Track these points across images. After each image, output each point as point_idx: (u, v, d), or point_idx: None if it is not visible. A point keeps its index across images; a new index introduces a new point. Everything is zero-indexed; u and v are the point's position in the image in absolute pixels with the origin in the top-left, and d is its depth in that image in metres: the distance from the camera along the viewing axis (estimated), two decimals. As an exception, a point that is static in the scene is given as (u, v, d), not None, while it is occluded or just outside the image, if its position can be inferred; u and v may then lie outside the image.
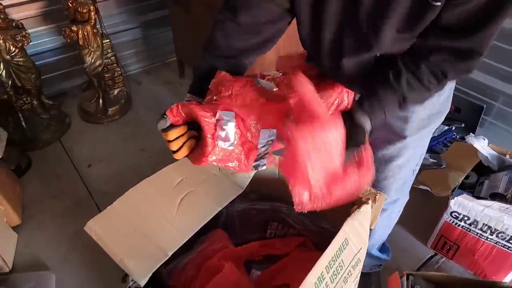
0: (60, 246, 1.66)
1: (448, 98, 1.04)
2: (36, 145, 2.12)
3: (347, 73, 0.87)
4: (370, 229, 1.26)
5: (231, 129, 0.76)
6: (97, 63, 2.12)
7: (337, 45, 0.83)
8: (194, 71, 0.93)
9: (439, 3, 0.68)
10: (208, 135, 0.75)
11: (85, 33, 1.97)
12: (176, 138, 0.76)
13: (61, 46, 2.33)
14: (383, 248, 1.46)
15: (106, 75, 2.28)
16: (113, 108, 2.35)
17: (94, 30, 2.01)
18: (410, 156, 1.10)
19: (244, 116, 0.78)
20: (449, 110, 1.06)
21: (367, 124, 0.84)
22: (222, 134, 0.75)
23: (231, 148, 0.77)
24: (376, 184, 1.16)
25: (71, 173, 2.01)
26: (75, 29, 1.94)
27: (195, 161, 0.78)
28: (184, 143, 0.78)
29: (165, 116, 0.73)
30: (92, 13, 1.95)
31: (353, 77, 0.89)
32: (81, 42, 2.00)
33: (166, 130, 0.74)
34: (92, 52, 2.07)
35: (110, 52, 2.23)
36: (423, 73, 0.78)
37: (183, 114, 0.76)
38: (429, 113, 1.01)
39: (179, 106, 0.75)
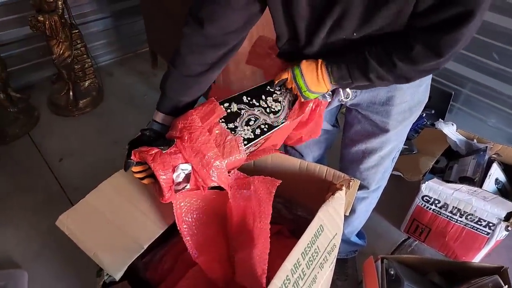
0: (32, 243, 1.62)
1: (427, 88, 1.04)
2: (3, 139, 2.04)
3: (323, 53, 0.88)
4: (346, 216, 1.28)
5: (186, 178, 0.86)
6: (66, 54, 2.05)
7: (314, 27, 0.84)
8: (162, 85, 0.93)
9: None
10: (164, 186, 0.83)
11: (53, 23, 1.90)
12: (140, 171, 0.88)
13: (28, 36, 2.24)
14: (359, 234, 1.50)
15: (76, 67, 2.21)
16: (84, 100, 2.28)
17: (62, 20, 1.94)
18: (392, 147, 1.12)
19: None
20: (427, 100, 1.07)
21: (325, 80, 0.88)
22: (179, 187, 0.86)
23: (187, 188, 0.88)
24: (359, 176, 1.17)
25: (41, 168, 1.95)
26: (42, 19, 1.87)
27: (159, 197, 0.88)
28: (146, 176, 0.88)
29: (131, 159, 0.85)
30: (60, 2, 1.88)
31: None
32: (48, 33, 1.92)
33: (130, 166, 0.86)
34: (60, 43, 2.00)
35: (80, 43, 2.16)
36: (393, 47, 0.79)
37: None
38: (410, 105, 1.02)
39: (140, 154, 0.83)
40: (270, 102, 0.96)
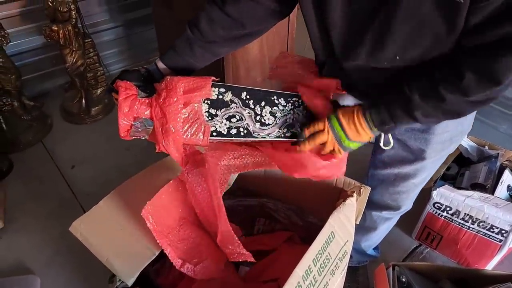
0: (45, 249, 1.64)
1: (472, 117, 0.96)
2: (17, 147, 2.08)
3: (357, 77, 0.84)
4: (366, 231, 1.27)
5: (145, 132, 0.86)
6: (79, 62, 2.08)
7: (351, 42, 0.78)
8: (174, 40, 0.92)
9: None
10: (120, 127, 0.82)
11: (66, 33, 1.94)
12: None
13: (42, 46, 2.28)
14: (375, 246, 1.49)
15: (88, 75, 2.25)
16: (96, 107, 2.32)
17: (75, 29, 1.98)
18: (426, 176, 1.07)
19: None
20: (470, 129, 0.99)
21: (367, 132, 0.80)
22: (136, 134, 0.86)
23: (143, 138, 0.89)
24: (388, 197, 1.13)
25: (54, 175, 1.97)
26: (56, 28, 1.91)
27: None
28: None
29: (112, 86, 0.85)
30: (73, 12, 1.92)
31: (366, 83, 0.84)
32: (62, 42, 1.96)
33: (108, 92, 0.90)
34: (73, 52, 2.04)
35: (92, 52, 2.20)
36: (440, 77, 0.69)
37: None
38: (452, 135, 0.94)
39: (120, 86, 0.82)
40: (265, 112, 0.89)
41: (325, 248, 0.85)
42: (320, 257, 0.83)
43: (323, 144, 0.84)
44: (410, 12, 0.65)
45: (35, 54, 2.31)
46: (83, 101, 2.26)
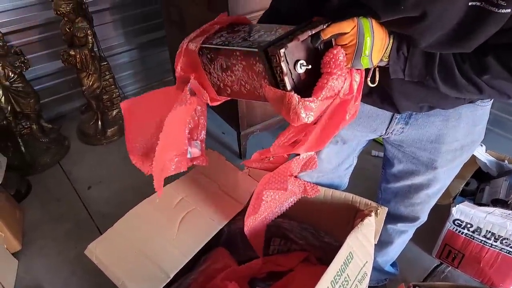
0: (61, 271, 1.64)
1: (483, 128, 0.94)
2: (35, 169, 2.12)
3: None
4: (382, 246, 1.24)
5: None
6: (95, 85, 2.13)
7: None
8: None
9: (508, 10, 0.57)
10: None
11: (83, 57, 1.99)
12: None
13: (60, 70, 2.35)
14: (392, 263, 1.45)
15: (104, 97, 2.29)
16: (112, 129, 2.35)
17: (92, 54, 2.03)
18: (441, 186, 1.05)
19: None
20: (482, 139, 0.97)
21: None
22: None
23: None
24: (403, 210, 1.12)
25: (71, 196, 2.00)
26: (73, 53, 1.96)
27: None
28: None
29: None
30: (90, 37, 1.98)
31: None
32: (79, 66, 2.01)
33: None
34: (90, 75, 2.09)
35: (108, 74, 2.25)
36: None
37: None
38: (462, 144, 0.93)
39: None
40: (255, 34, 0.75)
41: (343, 269, 0.83)
42: (339, 279, 0.81)
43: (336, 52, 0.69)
44: None
45: (53, 78, 2.37)
46: (99, 122, 2.30)
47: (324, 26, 0.69)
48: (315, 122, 0.77)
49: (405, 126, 0.91)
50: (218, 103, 0.84)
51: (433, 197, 1.07)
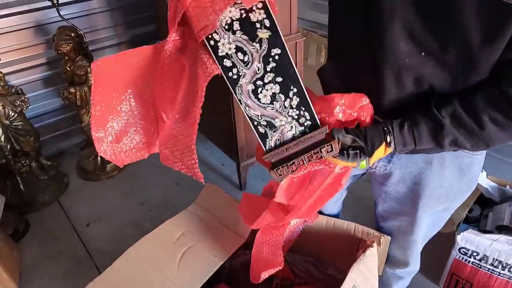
0: (59, 312, 1.60)
1: (474, 179, 0.88)
2: (34, 207, 2.10)
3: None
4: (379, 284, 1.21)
5: None
6: (95, 121, 2.15)
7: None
8: None
9: None
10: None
11: (83, 94, 2.02)
12: None
13: (59, 107, 2.38)
14: None
15: (103, 133, 2.31)
16: (111, 164, 2.35)
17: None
18: (425, 234, 1.00)
19: None
20: (473, 190, 0.91)
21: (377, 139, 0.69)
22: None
23: None
24: (396, 252, 1.08)
25: (69, 234, 1.97)
26: (73, 91, 1.99)
27: None
28: None
29: None
30: (89, 75, 2.01)
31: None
32: (79, 103, 2.04)
33: None
34: (89, 112, 2.11)
35: (107, 110, 2.27)
36: (479, 105, 0.62)
37: None
38: (447, 192, 0.87)
39: None
40: (269, 86, 0.68)
41: (347, 304, 0.81)
42: (343, 314, 0.79)
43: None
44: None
45: (53, 115, 2.40)
46: (99, 158, 2.31)
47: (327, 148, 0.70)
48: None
49: (388, 164, 0.88)
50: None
51: (418, 243, 1.03)
